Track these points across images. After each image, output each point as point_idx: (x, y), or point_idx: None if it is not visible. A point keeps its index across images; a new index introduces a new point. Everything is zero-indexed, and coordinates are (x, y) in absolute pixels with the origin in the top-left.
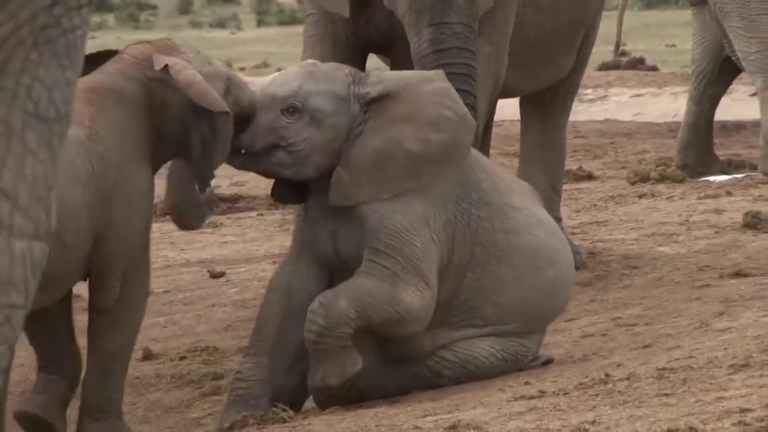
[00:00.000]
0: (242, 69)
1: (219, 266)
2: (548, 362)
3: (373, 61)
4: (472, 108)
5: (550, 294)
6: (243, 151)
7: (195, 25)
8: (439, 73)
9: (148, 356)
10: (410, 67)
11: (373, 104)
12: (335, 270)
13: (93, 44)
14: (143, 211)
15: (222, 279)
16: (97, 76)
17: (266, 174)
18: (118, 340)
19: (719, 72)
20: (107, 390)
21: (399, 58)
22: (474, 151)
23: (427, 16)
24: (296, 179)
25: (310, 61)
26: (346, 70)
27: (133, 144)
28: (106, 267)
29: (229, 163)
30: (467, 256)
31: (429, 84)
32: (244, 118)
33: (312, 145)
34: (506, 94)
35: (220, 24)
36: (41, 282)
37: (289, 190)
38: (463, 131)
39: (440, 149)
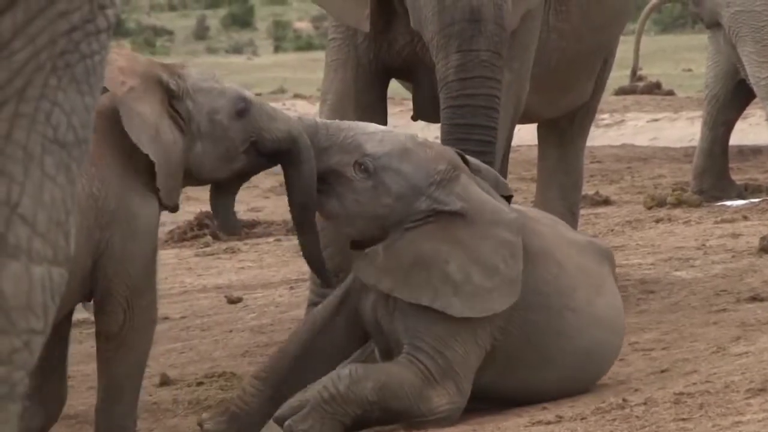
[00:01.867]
0: (259, 95)
1: (236, 292)
2: None
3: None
4: (491, 144)
5: (587, 383)
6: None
7: (211, 50)
8: (515, 223)
9: (165, 382)
10: (433, 94)
11: (445, 214)
12: (372, 333)
13: None
14: (146, 235)
15: (239, 304)
16: (100, 99)
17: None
18: (126, 366)
19: (733, 96)
20: (118, 416)
21: (421, 84)
22: (549, 240)
23: (456, 41)
24: (341, 233)
25: (423, 141)
26: (443, 165)
27: (136, 167)
28: (106, 292)
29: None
30: (516, 355)
31: (503, 229)
32: (279, 149)
33: (361, 210)
34: (527, 119)
35: (237, 50)
36: None
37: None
38: (503, 293)
39: (473, 292)
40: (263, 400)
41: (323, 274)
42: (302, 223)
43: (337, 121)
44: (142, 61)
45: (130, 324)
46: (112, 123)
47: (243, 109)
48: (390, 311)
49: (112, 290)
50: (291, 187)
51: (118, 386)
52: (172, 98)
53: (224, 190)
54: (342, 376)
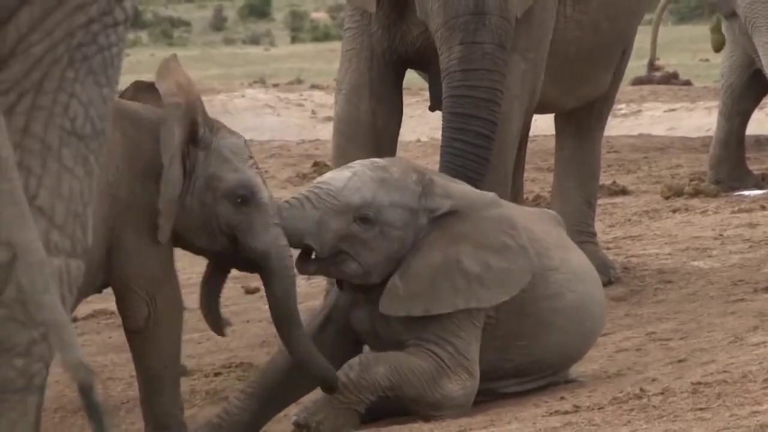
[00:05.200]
0: (276, 85)
1: (253, 282)
2: (575, 381)
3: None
4: (488, 139)
5: (588, 340)
6: (313, 255)
7: (228, 41)
8: (495, 198)
9: (182, 372)
10: None
11: (440, 219)
12: (369, 342)
13: (127, 61)
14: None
15: (256, 294)
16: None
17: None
18: (160, 359)
19: (749, 86)
20: (163, 406)
21: (437, 74)
22: (510, 214)
23: (460, 34)
24: (363, 285)
25: (378, 163)
26: (414, 176)
27: (145, 160)
28: (126, 286)
29: (302, 270)
30: (513, 327)
31: (493, 209)
32: (253, 260)
33: (379, 257)
34: (545, 109)
35: (254, 40)
36: None
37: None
38: (522, 262)
39: (496, 277)
40: (248, 415)
41: (319, 368)
42: (283, 326)
43: (305, 192)
44: (194, 92)
45: (155, 316)
46: (122, 115)
47: (244, 198)
48: (387, 316)
49: (130, 283)
50: (269, 299)
51: (157, 379)
52: (192, 141)
53: (212, 287)
54: (352, 364)
